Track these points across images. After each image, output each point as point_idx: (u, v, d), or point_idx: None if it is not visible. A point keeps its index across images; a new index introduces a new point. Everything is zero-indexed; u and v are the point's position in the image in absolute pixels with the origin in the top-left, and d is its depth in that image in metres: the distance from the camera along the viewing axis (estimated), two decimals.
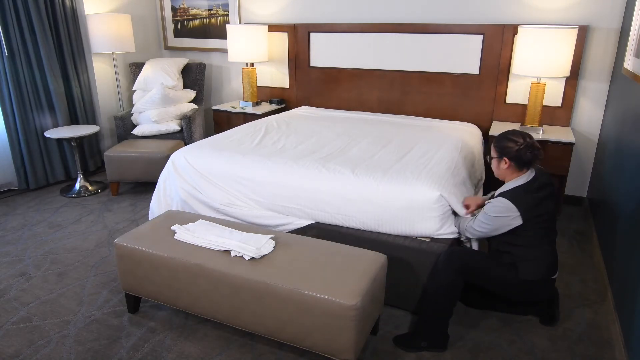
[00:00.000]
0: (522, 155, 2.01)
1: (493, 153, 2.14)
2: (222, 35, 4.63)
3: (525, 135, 2.05)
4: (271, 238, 2.15)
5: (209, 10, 4.65)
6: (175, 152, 2.87)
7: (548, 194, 2.06)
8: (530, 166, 2.06)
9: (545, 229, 2.06)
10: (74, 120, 4.22)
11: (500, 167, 2.11)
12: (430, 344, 2.06)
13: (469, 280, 2.09)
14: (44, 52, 3.82)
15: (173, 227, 2.25)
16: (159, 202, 2.90)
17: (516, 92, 3.58)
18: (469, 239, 2.28)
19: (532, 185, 2.04)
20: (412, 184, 2.26)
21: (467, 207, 2.25)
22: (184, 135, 4.19)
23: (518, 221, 2.00)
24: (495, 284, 2.12)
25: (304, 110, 4.07)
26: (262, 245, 2.06)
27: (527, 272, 2.04)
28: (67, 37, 4.04)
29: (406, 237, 2.26)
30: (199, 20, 4.74)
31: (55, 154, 4.07)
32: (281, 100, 4.40)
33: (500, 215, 2.02)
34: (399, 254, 2.24)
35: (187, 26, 4.83)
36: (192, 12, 4.75)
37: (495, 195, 2.14)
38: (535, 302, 2.23)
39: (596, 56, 3.35)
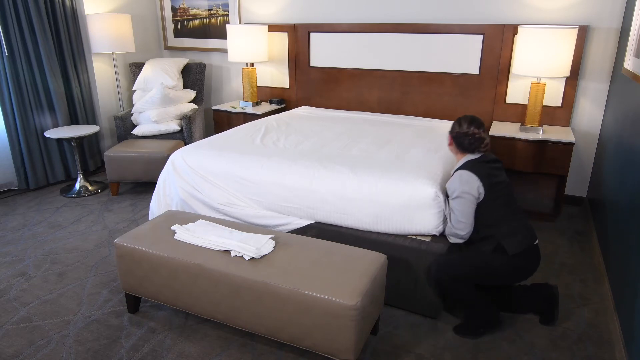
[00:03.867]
0: (461, 139, 2.16)
1: (447, 136, 2.30)
2: (222, 35, 4.63)
3: (473, 124, 2.15)
4: (271, 238, 2.15)
5: (209, 10, 4.65)
6: (175, 152, 2.87)
7: (500, 166, 2.20)
8: (471, 152, 2.17)
9: (508, 196, 2.14)
10: (74, 120, 4.22)
11: (449, 146, 2.27)
12: (485, 325, 2.17)
13: (467, 283, 2.11)
14: (44, 52, 3.82)
15: (173, 227, 2.25)
16: (159, 202, 2.90)
17: (516, 92, 3.58)
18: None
19: (482, 159, 2.16)
20: (410, 182, 2.27)
21: None
22: (184, 135, 4.19)
23: (481, 190, 2.07)
24: (489, 275, 2.12)
25: (304, 110, 4.07)
26: (262, 245, 2.07)
27: (514, 246, 2.06)
28: (67, 37, 4.04)
29: (406, 237, 2.26)
30: (199, 20, 4.74)
31: (55, 154, 4.07)
32: (281, 100, 4.40)
33: (463, 188, 2.08)
34: (399, 254, 2.24)
35: (187, 26, 4.83)
36: (192, 12, 4.75)
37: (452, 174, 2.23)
38: (529, 275, 2.17)
39: (596, 56, 3.35)
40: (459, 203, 2.11)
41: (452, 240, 2.20)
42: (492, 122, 3.64)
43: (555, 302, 2.26)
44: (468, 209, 2.10)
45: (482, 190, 2.07)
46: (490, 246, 2.10)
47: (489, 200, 2.08)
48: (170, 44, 5.00)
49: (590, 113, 3.47)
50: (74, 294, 2.49)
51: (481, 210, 2.11)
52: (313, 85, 4.30)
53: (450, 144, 2.24)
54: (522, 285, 2.35)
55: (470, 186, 2.07)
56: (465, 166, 2.13)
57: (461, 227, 2.13)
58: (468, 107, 3.74)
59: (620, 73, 2.98)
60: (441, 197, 2.21)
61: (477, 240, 2.16)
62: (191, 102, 4.45)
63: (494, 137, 3.25)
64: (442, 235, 2.25)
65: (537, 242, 2.13)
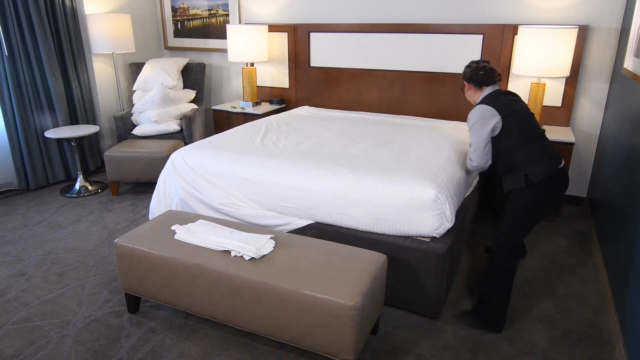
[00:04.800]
0: (475, 76, 2.35)
1: (461, 85, 2.49)
2: (222, 35, 4.63)
3: (479, 61, 2.39)
4: (271, 238, 2.15)
5: (209, 10, 4.65)
6: (175, 152, 2.87)
7: (517, 98, 2.34)
8: (489, 84, 2.35)
9: (528, 124, 2.23)
10: (74, 120, 4.22)
11: (466, 93, 2.46)
12: (489, 325, 2.21)
13: (522, 237, 2.24)
14: (44, 52, 3.82)
15: (173, 227, 2.25)
16: (159, 202, 2.90)
17: (516, 92, 3.56)
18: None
19: (498, 93, 2.33)
20: (410, 183, 2.26)
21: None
22: (184, 135, 4.19)
23: (497, 118, 2.20)
24: (529, 213, 2.18)
25: (304, 110, 4.07)
26: (262, 245, 2.07)
27: (538, 172, 2.12)
28: (67, 37, 4.04)
29: (406, 237, 2.26)
30: (199, 20, 4.75)
31: (55, 154, 4.07)
32: (281, 100, 4.40)
33: (482, 120, 2.22)
34: (399, 254, 2.24)
35: (187, 26, 4.83)
36: (192, 12, 4.75)
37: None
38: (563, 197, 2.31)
39: (596, 56, 3.35)
40: (473, 134, 2.28)
41: (470, 169, 2.41)
42: None
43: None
44: (482, 140, 2.25)
45: (498, 119, 2.20)
46: (517, 177, 2.17)
47: (506, 130, 2.20)
48: (170, 44, 5.00)
49: (590, 113, 3.47)
50: (74, 294, 2.49)
51: (501, 142, 2.22)
52: (313, 85, 4.30)
53: (468, 90, 2.42)
54: None
55: (486, 123, 2.21)
56: (483, 101, 2.29)
57: (474, 156, 2.31)
58: (468, 106, 3.73)
59: (620, 73, 2.98)
60: (441, 199, 2.21)
61: (503, 174, 2.27)
62: (191, 102, 4.45)
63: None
64: (442, 236, 2.25)
65: (562, 165, 2.19)
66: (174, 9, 4.84)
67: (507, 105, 2.23)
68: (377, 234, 2.31)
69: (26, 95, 3.82)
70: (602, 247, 2.73)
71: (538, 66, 3.10)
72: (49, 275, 2.68)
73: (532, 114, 2.30)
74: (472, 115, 2.28)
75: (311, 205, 2.43)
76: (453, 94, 3.76)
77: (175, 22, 4.88)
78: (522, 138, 2.18)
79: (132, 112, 4.27)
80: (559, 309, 2.38)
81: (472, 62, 2.42)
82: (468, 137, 3.17)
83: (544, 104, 3.45)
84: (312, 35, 4.17)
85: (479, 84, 2.36)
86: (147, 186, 4.03)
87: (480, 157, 2.28)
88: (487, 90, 2.35)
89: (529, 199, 2.16)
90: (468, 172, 2.72)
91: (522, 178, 2.14)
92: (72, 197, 3.85)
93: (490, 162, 2.31)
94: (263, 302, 1.90)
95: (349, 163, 2.53)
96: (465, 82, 2.42)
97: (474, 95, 2.41)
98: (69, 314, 2.33)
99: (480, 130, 2.24)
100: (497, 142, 2.24)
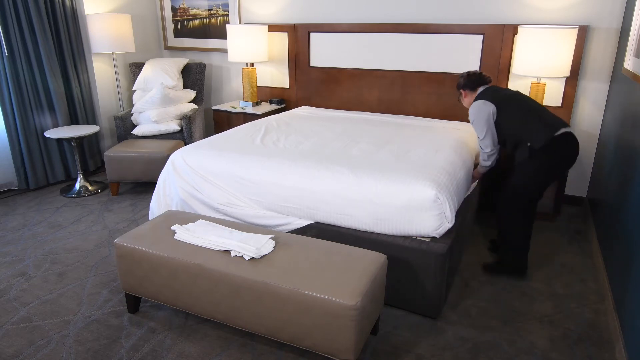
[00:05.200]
0: (467, 81, 2.70)
1: (458, 95, 2.82)
2: (222, 35, 4.63)
3: (468, 71, 2.73)
4: (271, 238, 2.15)
5: (209, 10, 4.65)
6: (175, 152, 2.87)
7: (507, 89, 2.69)
8: (481, 84, 2.67)
9: (521, 103, 2.55)
10: (74, 120, 4.22)
11: (464, 100, 2.77)
12: (513, 271, 2.62)
13: (532, 195, 2.53)
14: (44, 52, 3.82)
15: (173, 227, 2.25)
16: (159, 202, 2.90)
17: None
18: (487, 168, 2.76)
19: (489, 88, 2.65)
20: (410, 183, 2.26)
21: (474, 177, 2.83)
22: (184, 135, 4.19)
23: (491, 106, 2.53)
24: (534, 179, 2.49)
25: (304, 110, 4.07)
26: (262, 245, 2.07)
27: (537, 140, 2.43)
28: (67, 37, 4.04)
29: (406, 237, 2.26)
30: (199, 20, 4.75)
31: (55, 154, 4.07)
32: (281, 100, 4.40)
33: (479, 111, 2.56)
34: (399, 254, 2.24)
35: (187, 26, 4.83)
36: (192, 12, 4.75)
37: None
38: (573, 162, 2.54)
39: (596, 56, 3.35)
40: (476, 126, 2.60)
41: (485, 164, 2.71)
42: None
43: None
44: (484, 128, 2.56)
45: (493, 107, 2.53)
46: (521, 149, 2.49)
47: (503, 113, 2.52)
48: (170, 44, 5.00)
49: (590, 113, 3.47)
50: (74, 294, 2.49)
51: (502, 125, 2.55)
52: (313, 85, 4.30)
53: (465, 97, 2.74)
54: None
55: (484, 114, 2.54)
56: (478, 97, 2.62)
57: (483, 144, 2.63)
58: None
59: (620, 73, 2.98)
60: (441, 199, 2.21)
61: (512, 151, 2.58)
62: (191, 102, 4.45)
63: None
64: (442, 236, 2.25)
65: (562, 131, 2.43)
66: (174, 9, 4.84)
67: (498, 92, 2.59)
68: (377, 234, 2.31)
69: (26, 95, 3.82)
70: (602, 247, 2.73)
71: (538, 66, 3.10)
72: (49, 275, 2.68)
73: (527, 96, 2.64)
74: (471, 111, 2.62)
75: (311, 205, 2.43)
76: (453, 94, 3.76)
77: (175, 22, 4.88)
78: (519, 116, 2.51)
79: (132, 112, 4.27)
80: (559, 309, 2.38)
81: (461, 74, 2.75)
82: (468, 137, 3.18)
83: (544, 104, 3.44)
84: (312, 35, 4.17)
85: (473, 87, 2.68)
86: (147, 186, 4.03)
87: (488, 143, 2.61)
88: (480, 89, 2.67)
89: (531, 167, 2.47)
90: (467, 174, 2.73)
91: (527, 149, 2.46)
92: (72, 197, 3.85)
93: (498, 145, 2.65)
94: (263, 302, 1.90)
95: (349, 163, 2.53)
96: (461, 91, 2.75)
97: (471, 98, 2.69)
98: (69, 314, 2.33)
99: (480, 120, 2.56)
100: (499, 125, 2.56)
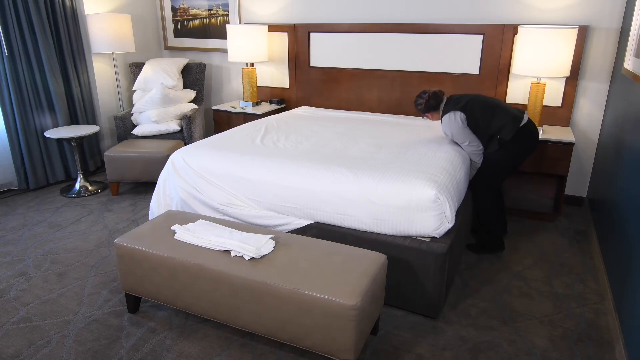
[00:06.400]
0: (429, 104, 2.85)
1: (423, 116, 2.98)
2: (222, 35, 4.63)
3: (420, 94, 2.88)
4: (271, 238, 2.15)
5: (209, 10, 4.65)
6: (175, 152, 2.87)
7: (466, 94, 2.86)
8: (442, 101, 2.84)
9: (482, 104, 2.73)
10: (74, 120, 4.22)
11: (432, 119, 2.96)
12: (493, 247, 2.92)
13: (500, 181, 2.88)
14: (44, 52, 3.82)
15: (173, 227, 2.25)
16: (159, 202, 2.90)
17: (516, 92, 3.58)
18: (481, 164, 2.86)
19: (450, 99, 2.84)
20: (410, 183, 2.26)
21: None
22: (184, 135, 4.19)
23: (458, 113, 2.70)
24: (503, 167, 2.79)
25: (303, 110, 4.07)
26: (262, 245, 2.07)
27: (507, 132, 2.67)
28: (67, 37, 4.04)
29: (406, 237, 2.26)
30: (199, 20, 4.75)
31: (55, 154, 4.07)
32: (281, 100, 4.40)
33: (452, 122, 2.73)
34: (399, 254, 2.24)
35: (187, 26, 4.83)
36: (192, 12, 4.75)
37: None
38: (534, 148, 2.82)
39: (596, 56, 3.35)
40: (455, 135, 2.78)
41: (478, 159, 2.81)
42: None
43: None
44: (462, 133, 2.73)
45: (459, 113, 2.70)
46: (494, 144, 2.72)
47: (471, 117, 2.70)
48: (170, 44, 5.00)
49: (590, 113, 3.47)
50: (74, 294, 2.49)
51: (473, 126, 2.72)
52: (313, 85, 4.30)
53: (432, 117, 2.91)
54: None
55: (457, 122, 2.71)
56: (444, 111, 2.80)
57: (469, 148, 2.76)
58: None
59: (620, 73, 2.98)
60: (441, 199, 2.21)
61: (487, 146, 2.75)
62: (191, 102, 4.45)
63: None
64: (442, 236, 2.25)
65: (524, 123, 2.71)
66: (174, 9, 4.84)
67: (459, 100, 2.76)
68: (377, 234, 2.31)
69: (26, 95, 3.82)
70: (602, 247, 2.73)
71: (538, 66, 3.10)
72: (49, 275, 2.68)
73: (484, 95, 2.91)
74: (444, 126, 2.83)
75: (311, 205, 2.43)
76: (453, 94, 3.75)
77: (175, 22, 4.88)
78: (487, 115, 2.70)
79: (132, 112, 4.27)
80: (559, 309, 2.38)
81: (417, 98, 2.88)
82: None
83: (544, 104, 3.45)
84: (312, 35, 4.17)
85: (436, 107, 2.85)
86: (147, 186, 4.03)
87: (474, 142, 2.74)
88: (442, 105, 2.85)
89: (500, 156, 2.74)
90: (467, 174, 2.74)
91: (497, 141, 2.71)
92: (72, 197, 3.85)
93: (481, 143, 2.79)
94: (263, 302, 1.90)
95: (349, 163, 2.53)
96: (427, 115, 2.91)
97: (437, 114, 2.88)
98: (69, 314, 2.33)
99: (457, 130, 2.73)
100: (471, 126, 2.73)
